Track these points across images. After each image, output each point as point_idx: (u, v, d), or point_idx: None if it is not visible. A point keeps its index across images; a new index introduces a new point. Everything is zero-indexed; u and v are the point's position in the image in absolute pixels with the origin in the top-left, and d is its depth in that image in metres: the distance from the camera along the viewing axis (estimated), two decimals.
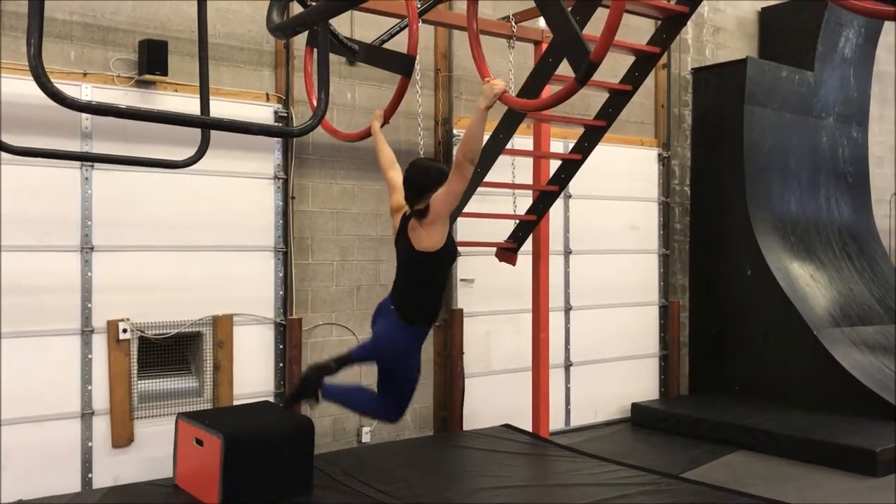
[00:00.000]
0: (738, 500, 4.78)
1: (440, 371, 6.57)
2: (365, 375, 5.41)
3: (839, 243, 8.44)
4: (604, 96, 5.44)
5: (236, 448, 4.45)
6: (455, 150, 3.72)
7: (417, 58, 5.47)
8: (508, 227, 6.23)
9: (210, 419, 4.73)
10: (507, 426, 6.37)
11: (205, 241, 5.50)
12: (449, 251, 3.79)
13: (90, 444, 5.07)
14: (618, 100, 5.19)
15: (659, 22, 5.14)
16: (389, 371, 3.97)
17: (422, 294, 3.81)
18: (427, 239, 3.67)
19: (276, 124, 5.69)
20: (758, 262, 7.63)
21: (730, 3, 8.69)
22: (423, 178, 3.69)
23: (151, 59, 5.16)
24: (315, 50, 4.73)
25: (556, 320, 7.13)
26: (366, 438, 6.17)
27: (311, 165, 5.99)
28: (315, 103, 4.47)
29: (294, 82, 5.82)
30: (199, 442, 4.63)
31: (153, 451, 5.22)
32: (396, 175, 4.10)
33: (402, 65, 4.39)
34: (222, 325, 5.55)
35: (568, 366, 7.35)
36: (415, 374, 4.01)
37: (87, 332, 5.07)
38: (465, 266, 6.64)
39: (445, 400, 6.58)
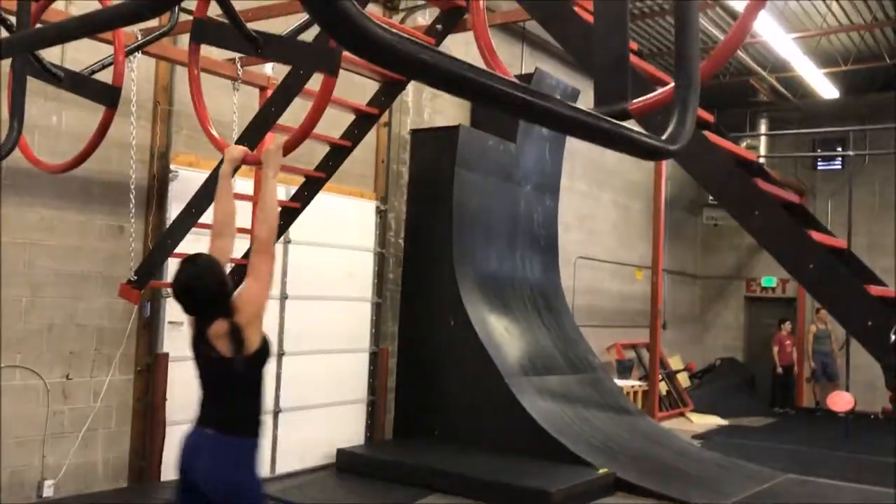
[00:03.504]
0: None
1: (139, 419, 6.21)
2: None
3: (531, 299, 9.31)
4: (325, 149, 5.59)
5: None
6: (255, 231, 3.18)
7: (134, 89, 5.26)
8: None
9: None
10: None
11: None
12: (266, 345, 3.25)
13: None
14: (338, 154, 5.36)
15: (380, 84, 5.42)
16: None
17: (249, 402, 3.23)
18: (251, 339, 3.12)
19: None
20: (460, 313, 8.18)
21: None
22: (206, 294, 3.10)
23: None
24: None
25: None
26: (48, 492, 5.64)
27: (4, 192, 5.45)
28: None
29: None
30: None
31: None
32: (224, 245, 3.39)
33: (108, 96, 4.11)
34: None
35: (276, 412, 7.30)
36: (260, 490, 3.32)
37: None
38: (175, 308, 6.38)
39: (144, 449, 6.22)
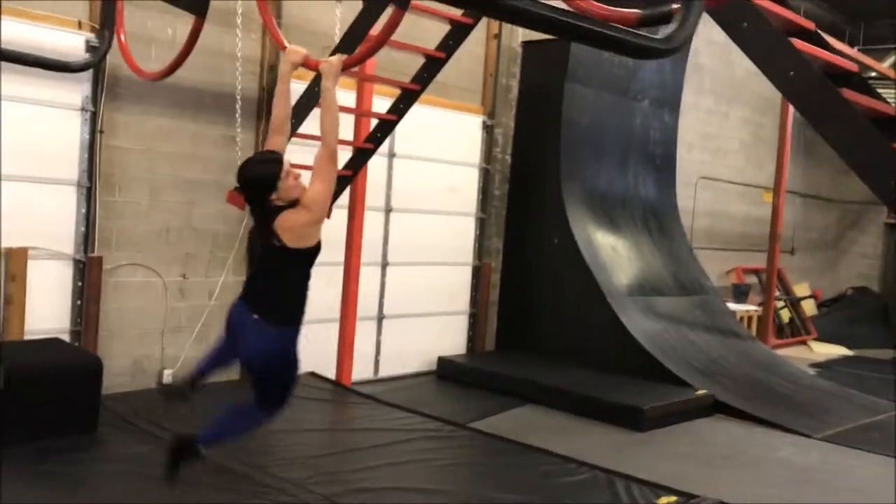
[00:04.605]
0: (500, 446, 5.23)
1: None
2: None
3: (642, 219, 9.11)
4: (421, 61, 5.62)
5: (16, 382, 4.37)
6: (321, 136, 3.38)
7: (239, 2, 5.42)
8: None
9: None
10: (313, 374, 6.54)
11: (4, 170, 5.27)
12: (319, 244, 3.53)
13: None
14: (432, 66, 5.38)
15: None
16: (268, 380, 3.61)
17: (295, 292, 3.53)
18: (306, 238, 3.41)
19: (85, 56, 5.44)
20: (565, 231, 8.13)
21: None
22: (256, 180, 3.38)
23: None
24: None
25: (372, 274, 7.35)
26: (167, 380, 6.16)
27: (124, 99, 5.81)
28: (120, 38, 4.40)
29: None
30: None
31: None
32: (278, 142, 3.61)
33: (197, 5, 4.22)
34: (16, 259, 5.35)
35: (380, 318, 7.60)
36: (296, 371, 3.65)
37: None
38: None
39: None
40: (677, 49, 1.72)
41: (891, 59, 12.62)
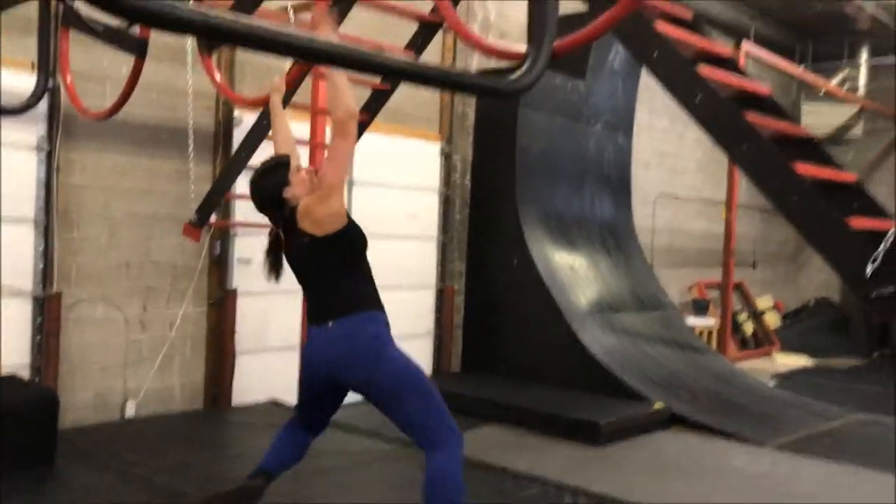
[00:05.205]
0: None
1: (212, 349, 6.73)
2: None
3: (600, 239, 9.32)
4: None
5: None
6: (331, 114, 3.22)
7: (189, 39, 5.57)
8: None
9: None
10: (274, 402, 6.64)
11: None
12: (355, 230, 3.36)
13: None
14: (380, 97, 5.56)
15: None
16: (397, 386, 3.25)
17: (352, 281, 3.32)
18: (328, 221, 3.22)
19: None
20: (523, 252, 8.32)
21: (514, 9, 9.33)
22: (267, 185, 3.32)
23: None
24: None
25: None
26: (130, 412, 6.24)
27: (80, 138, 5.94)
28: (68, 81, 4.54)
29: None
30: None
31: None
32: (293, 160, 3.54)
33: (137, 47, 4.37)
34: None
35: None
36: (417, 367, 3.32)
37: None
38: (243, 245, 6.83)
39: (216, 376, 6.75)
40: (523, 91, 1.90)
41: (839, 76, 13.02)
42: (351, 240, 3.33)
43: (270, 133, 3.99)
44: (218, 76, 3.97)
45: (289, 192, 3.31)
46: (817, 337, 12.97)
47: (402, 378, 3.24)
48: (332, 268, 3.27)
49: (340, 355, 3.19)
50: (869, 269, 2.85)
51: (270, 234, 3.50)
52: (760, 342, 12.21)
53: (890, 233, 2.86)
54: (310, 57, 1.61)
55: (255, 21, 1.42)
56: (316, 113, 6.32)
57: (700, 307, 11.38)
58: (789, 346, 12.20)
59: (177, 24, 1.29)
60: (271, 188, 3.34)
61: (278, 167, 3.39)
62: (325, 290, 3.29)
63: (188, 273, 6.55)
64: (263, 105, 4.32)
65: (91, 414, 6.01)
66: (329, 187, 3.19)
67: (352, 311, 3.23)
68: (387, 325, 3.30)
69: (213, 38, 1.48)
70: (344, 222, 3.28)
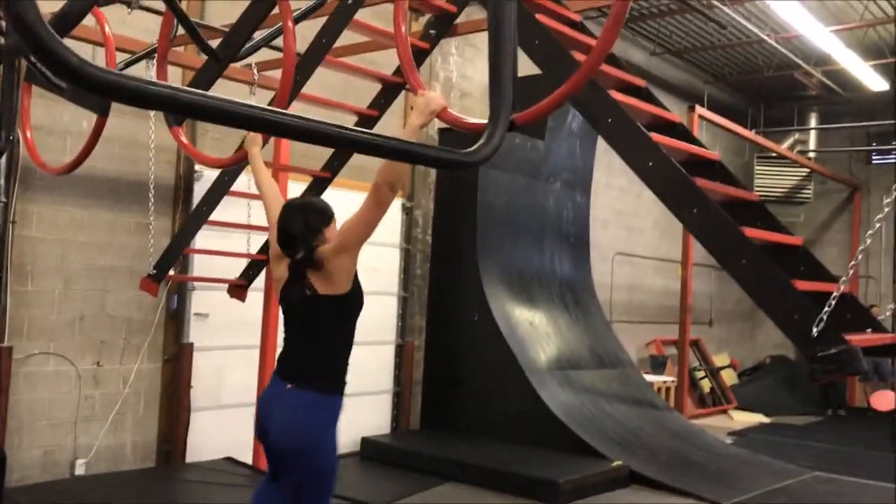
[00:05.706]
0: None
1: (166, 405, 6.61)
2: None
3: (559, 295, 9.41)
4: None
5: None
6: (377, 175, 3.08)
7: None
8: (241, 263, 6.45)
9: None
10: (228, 459, 6.52)
11: None
12: (358, 295, 3.27)
13: None
14: (342, 155, 5.62)
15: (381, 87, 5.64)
16: (306, 481, 3.14)
17: (333, 354, 3.23)
18: (336, 278, 3.16)
19: None
20: (483, 308, 8.36)
21: (477, 71, 9.54)
22: (303, 223, 3.21)
23: None
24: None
25: None
26: (80, 471, 6.08)
27: (38, 190, 5.90)
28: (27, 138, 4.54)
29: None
30: None
31: None
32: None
33: (100, 106, 4.39)
34: None
35: None
36: (334, 465, 3.21)
37: None
38: (200, 300, 6.77)
39: (170, 433, 6.62)
40: (482, 162, 1.96)
41: (790, 139, 13.46)
42: (350, 307, 3.27)
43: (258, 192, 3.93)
44: (183, 136, 3.95)
45: (319, 241, 3.22)
46: (773, 394, 13.13)
47: (325, 476, 3.18)
48: (319, 333, 3.22)
49: (284, 419, 3.13)
50: (815, 331, 2.94)
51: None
52: (717, 399, 12.32)
53: (833, 295, 2.96)
54: (279, 132, 1.65)
55: (227, 100, 1.45)
56: (278, 171, 6.35)
57: (658, 364, 11.49)
58: (745, 404, 12.33)
59: (150, 101, 1.32)
60: (303, 228, 3.22)
61: (324, 213, 3.31)
62: (303, 350, 3.23)
63: (144, 327, 6.46)
64: (238, 162, 4.31)
65: (39, 472, 5.85)
66: (345, 237, 3.16)
67: (315, 387, 3.15)
68: (340, 409, 3.24)
69: (183, 114, 1.52)
70: (349, 287, 3.22)
